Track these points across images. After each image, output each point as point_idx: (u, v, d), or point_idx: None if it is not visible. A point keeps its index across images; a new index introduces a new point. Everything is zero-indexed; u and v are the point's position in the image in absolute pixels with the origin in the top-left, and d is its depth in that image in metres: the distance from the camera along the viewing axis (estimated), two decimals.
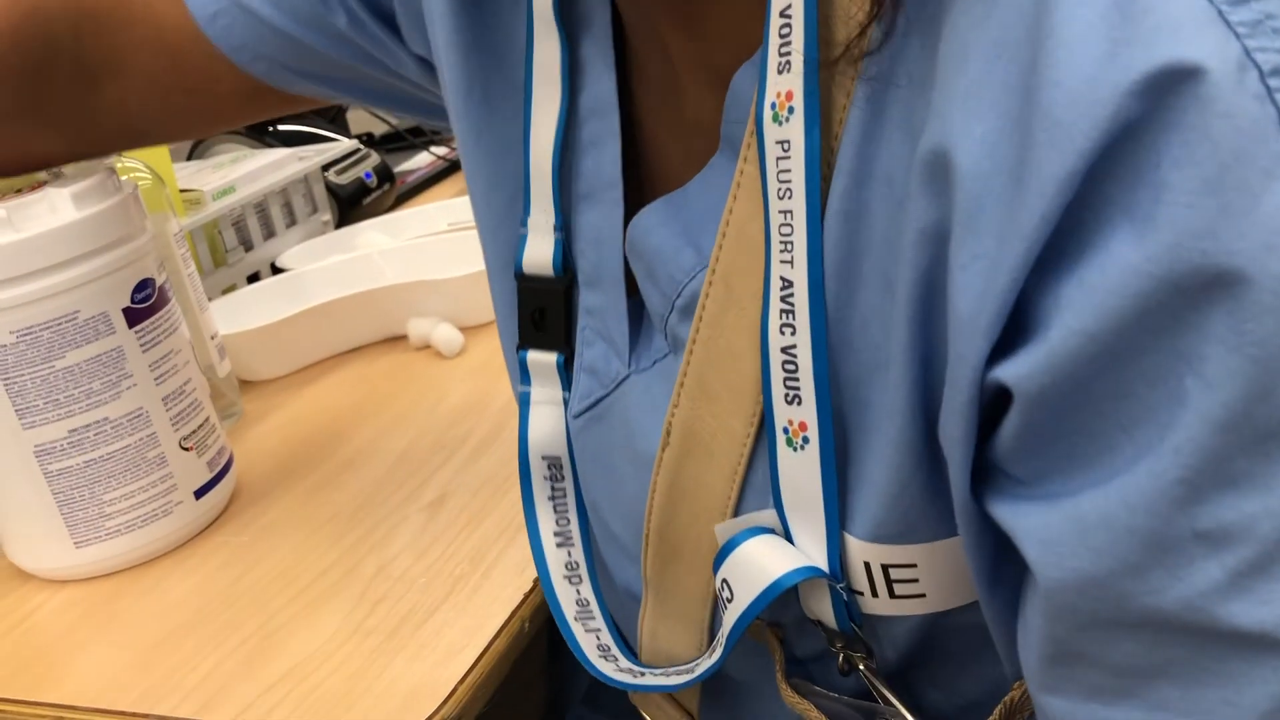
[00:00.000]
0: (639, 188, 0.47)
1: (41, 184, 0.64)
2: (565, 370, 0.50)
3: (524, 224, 0.49)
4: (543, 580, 0.51)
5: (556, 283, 0.49)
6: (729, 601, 0.41)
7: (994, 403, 0.32)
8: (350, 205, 1.20)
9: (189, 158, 1.27)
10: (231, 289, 1.01)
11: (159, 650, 0.58)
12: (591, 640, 0.50)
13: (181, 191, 0.99)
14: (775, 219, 0.37)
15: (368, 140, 1.53)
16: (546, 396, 0.51)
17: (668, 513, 0.44)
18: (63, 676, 0.58)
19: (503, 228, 0.52)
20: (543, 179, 0.48)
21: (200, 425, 0.68)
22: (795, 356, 0.37)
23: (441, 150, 1.47)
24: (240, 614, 0.60)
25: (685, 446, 0.42)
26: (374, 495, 0.69)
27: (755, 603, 0.40)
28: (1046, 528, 0.31)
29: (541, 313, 0.50)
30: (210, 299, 0.84)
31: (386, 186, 1.25)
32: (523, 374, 0.52)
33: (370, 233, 1.10)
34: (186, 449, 0.67)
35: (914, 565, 0.38)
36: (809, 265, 0.36)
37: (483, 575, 0.59)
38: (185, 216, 0.96)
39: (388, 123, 1.61)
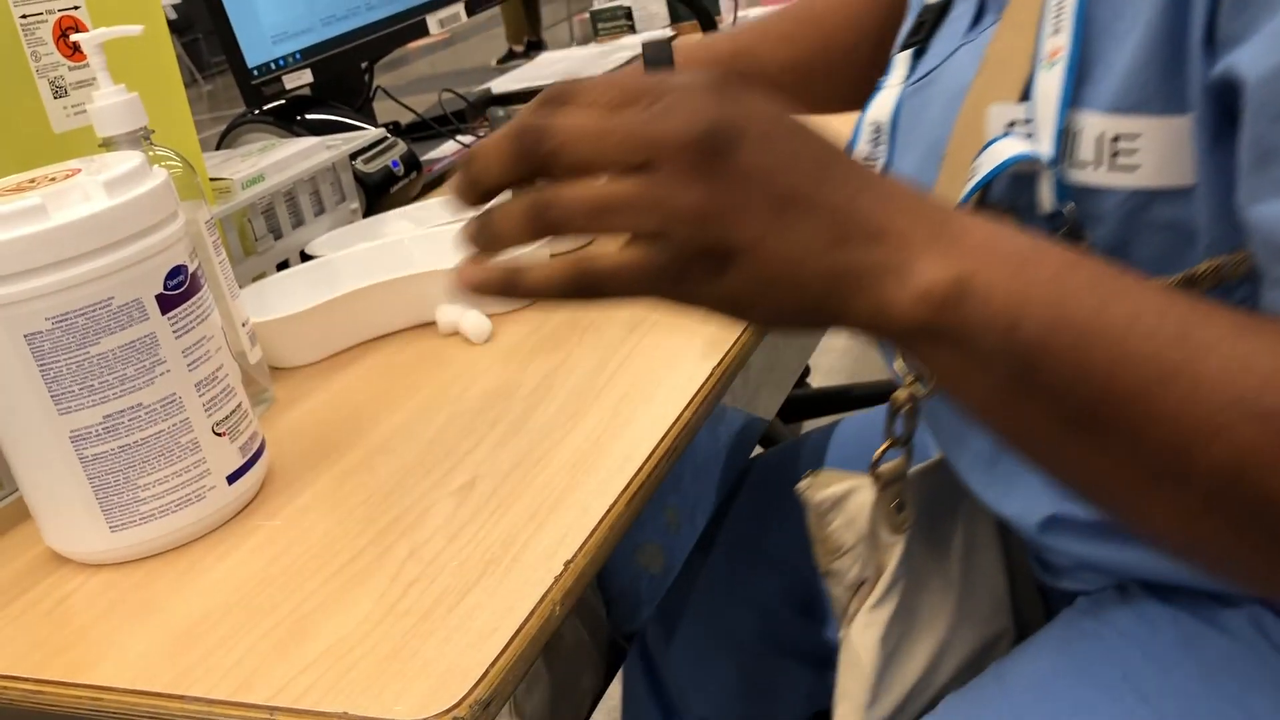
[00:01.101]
0: None
1: (75, 172, 0.64)
2: (915, 60, 0.66)
3: None
4: None
5: (939, 3, 0.65)
6: (970, 179, 0.53)
7: None
8: (377, 194, 1.20)
9: (218, 147, 1.28)
10: (261, 277, 1.02)
11: (194, 633, 0.59)
12: None
13: (211, 180, 0.99)
14: None
15: (394, 129, 1.53)
16: (894, 81, 0.66)
17: (965, 132, 0.55)
18: (99, 659, 0.59)
19: None
20: None
21: (233, 411, 0.68)
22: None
23: (468, 139, 1.47)
24: (274, 597, 0.60)
25: (991, 72, 0.54)
26: (405, 479, 0.69)
27: (985, 176, 0.51)
28: (1253, 49, 0.41)
29: (923, 24, 0.66)
30: (240, 286, 0.84)
31: (413, 175, 1.26)
32: (888, 66, 0.67)
33: (399, 221, 1.10)
34: (219, 434, 0.67)
35: (1139, 135, 0.47)
36: None
37: (514, 559, 0.59)
38: (215, 205, 0.97)
39: (414, 112, 1.62)
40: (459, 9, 1.57)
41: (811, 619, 0.89)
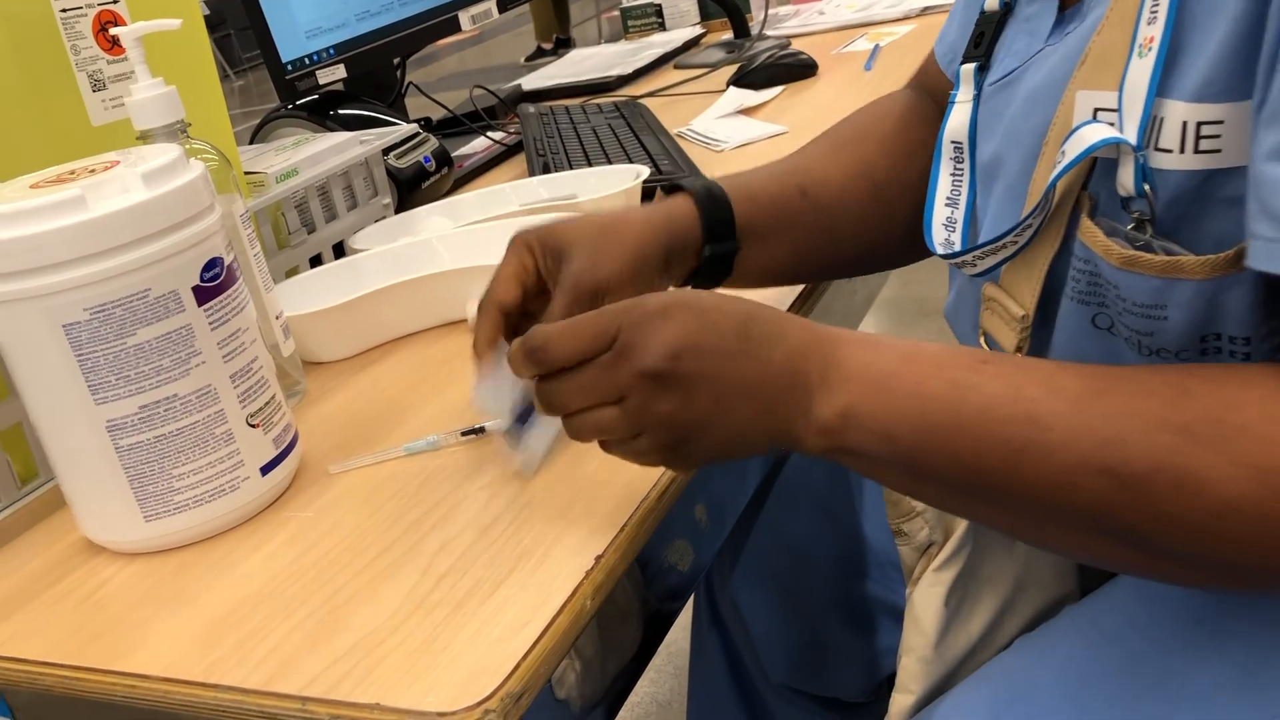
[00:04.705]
0: None
1: (114, 164, 0.65)
2: (978, 75, 0.68)
3: None
4: (926, 218, 0.69)
5: (998, 12, 0.67)
6: (1059, 163, 0.55)
7: None
8: (409, 189, 1.21)
9: (251, 141, 1.29)
10: (294, 271, 1.03)
11: (227, 622, 0.59)
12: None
13: (245, 174, 1.00)
14: None
15: (426, 125, 1.54)
16: (964, 97, 0.68)
17: (1063, 123, 0.56)
18: (133, 647, 0.59)
19: None
20: None
21: (267, 402, 0.69)
22: None
23: (498, 135, 1.47)
24: (306, 588, 0.61)
25: (1094, 64, 0.55)
26: (436, 473, 0.70)
27: (1073, 160, 0.53)
28: None
29: (981, 36, 0.68)
30: (274, 280, 0.85)
31: (445, 170, 1.26)
32: (956, 83, 0.69)
33: (432, 216, 1.10)
34: (253, 426, 0.68)
35: (1221, 122, 0.49)
36: None
37: (545, 553, 0.59)
38: (249, 199, 0.98)
39: (445, 108, 1.62)
40: (491, 5, 1.58)
41: (883, 583, 0.93)
